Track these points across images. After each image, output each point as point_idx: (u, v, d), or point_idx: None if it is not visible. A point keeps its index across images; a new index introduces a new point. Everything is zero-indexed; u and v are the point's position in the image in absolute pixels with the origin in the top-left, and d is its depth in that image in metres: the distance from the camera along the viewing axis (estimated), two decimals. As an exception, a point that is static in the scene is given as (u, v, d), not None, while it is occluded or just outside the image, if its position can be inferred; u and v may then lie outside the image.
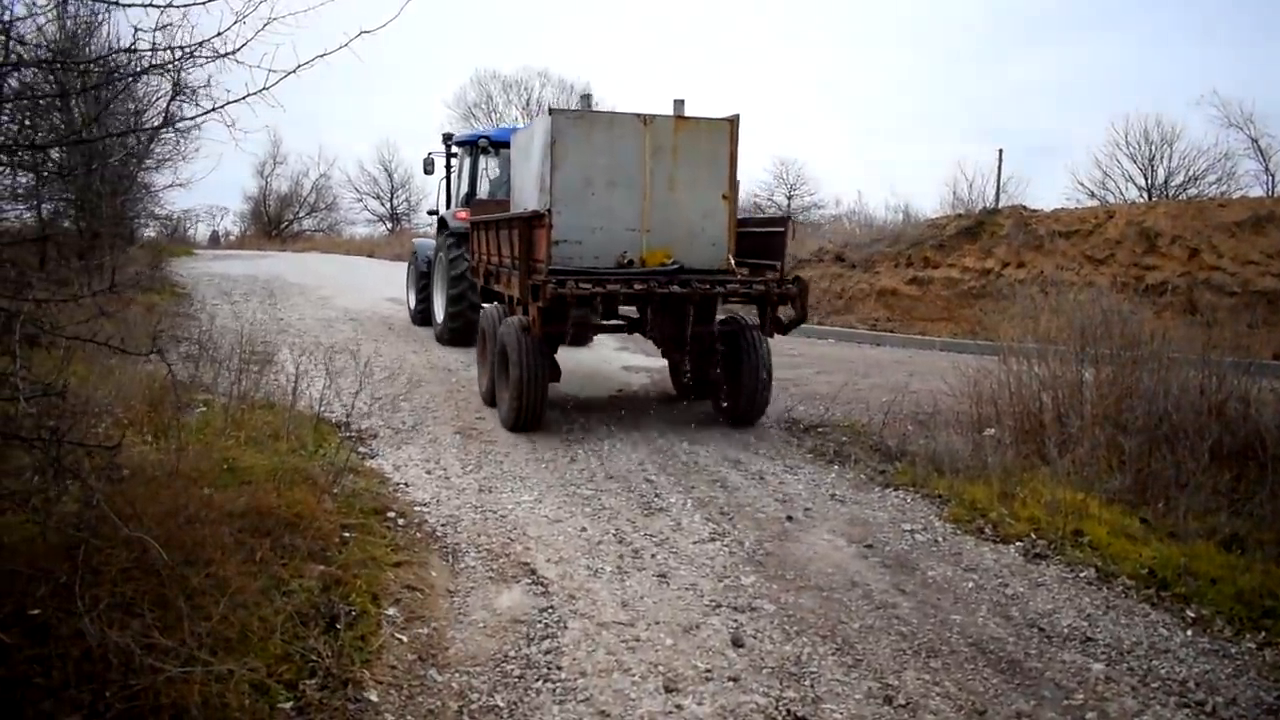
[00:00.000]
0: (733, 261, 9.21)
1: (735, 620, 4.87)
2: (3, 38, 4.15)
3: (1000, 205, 21.18)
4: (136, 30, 3.97)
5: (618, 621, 4.80)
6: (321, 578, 4.75)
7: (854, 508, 6.86)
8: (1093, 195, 32.37)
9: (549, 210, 8.40)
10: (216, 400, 7.71)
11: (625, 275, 8.64)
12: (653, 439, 8.49)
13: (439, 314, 14.54)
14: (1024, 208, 19.95)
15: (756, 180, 46.01)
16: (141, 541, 3.87)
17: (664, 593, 5.19)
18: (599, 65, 74.84)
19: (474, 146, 15.02)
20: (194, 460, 5.60)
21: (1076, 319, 8.21)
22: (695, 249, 9.16)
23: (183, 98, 5.08)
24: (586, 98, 11.17)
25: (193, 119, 3.95)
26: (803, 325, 9.39)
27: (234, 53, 4.13)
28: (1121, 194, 32.09)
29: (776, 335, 9.17)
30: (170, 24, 3.82)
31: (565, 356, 11.14)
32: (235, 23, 4.04)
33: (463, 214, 13.76)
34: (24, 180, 11.53)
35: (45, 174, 10.39)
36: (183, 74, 4.49)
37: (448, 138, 15.89)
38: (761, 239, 9.60)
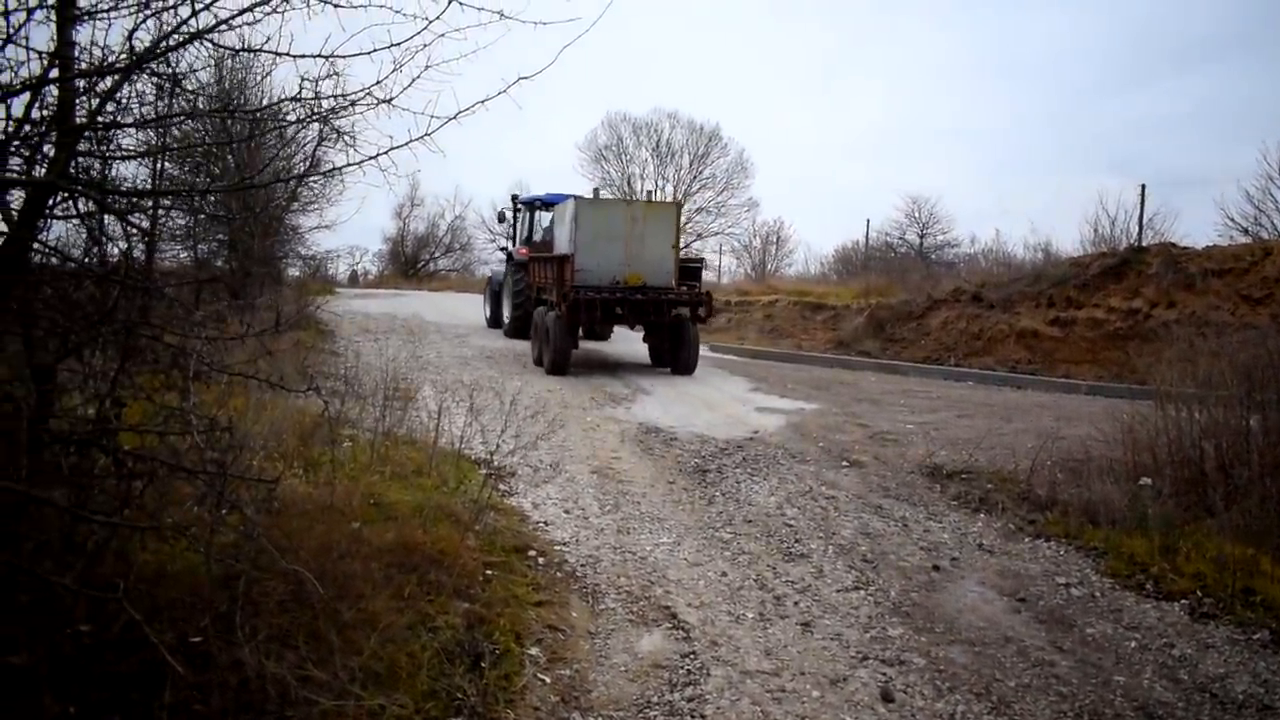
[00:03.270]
0: (674, 282, 16.07)
1: (884, 673, 4.72)
2: (168, 86, 4.34)
3: (1146, 242, 20.34)
4: (303, 79, 4.11)
5: (762, 670, 4.70)
6: (466, 615, 4.79)
7: (1003, 558, 6.61)
8: (1245, 232, 30.69)
9: (573, 253, 15.47)
10: (361, 436, 7.89)
11: (614, 289, 15.50)
12: (789, 483, 8.34)
13: (506, 317, 20.45)
14: (1173, 245, 19.08)
15: (887, 219, 45.40)
16: (297, 574, 3.95)
17: (808, 642, 5.06)
18: (729, 104, 75.23)
19: (533, 206, 21.64)
20: (343, 495, 5.73)
21: (1241, 361, 7.78)
22: (655, 276, 15.89)
23: (328, 143, 5.24)
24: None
25: (358, 164, 4.04)
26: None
27: (392, 100, 4.24)
28: (1277, 230, 30.37)
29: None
30: (338, 73, 3.94)
31: (699, 397, 11.22)
32: (394, 70, 4.15)
33: (523, 250, 20.53)
34: (182, 221, 12.11)
35: (203, 215, 10.87)
36: (330, 120, 4.63)
37: (515, 198, 22.63)
38: (692, 270, 18.09)
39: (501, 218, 23.82)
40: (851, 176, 74.40)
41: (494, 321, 22.11)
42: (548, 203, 20.66)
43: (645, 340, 17.17)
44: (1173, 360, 8.82)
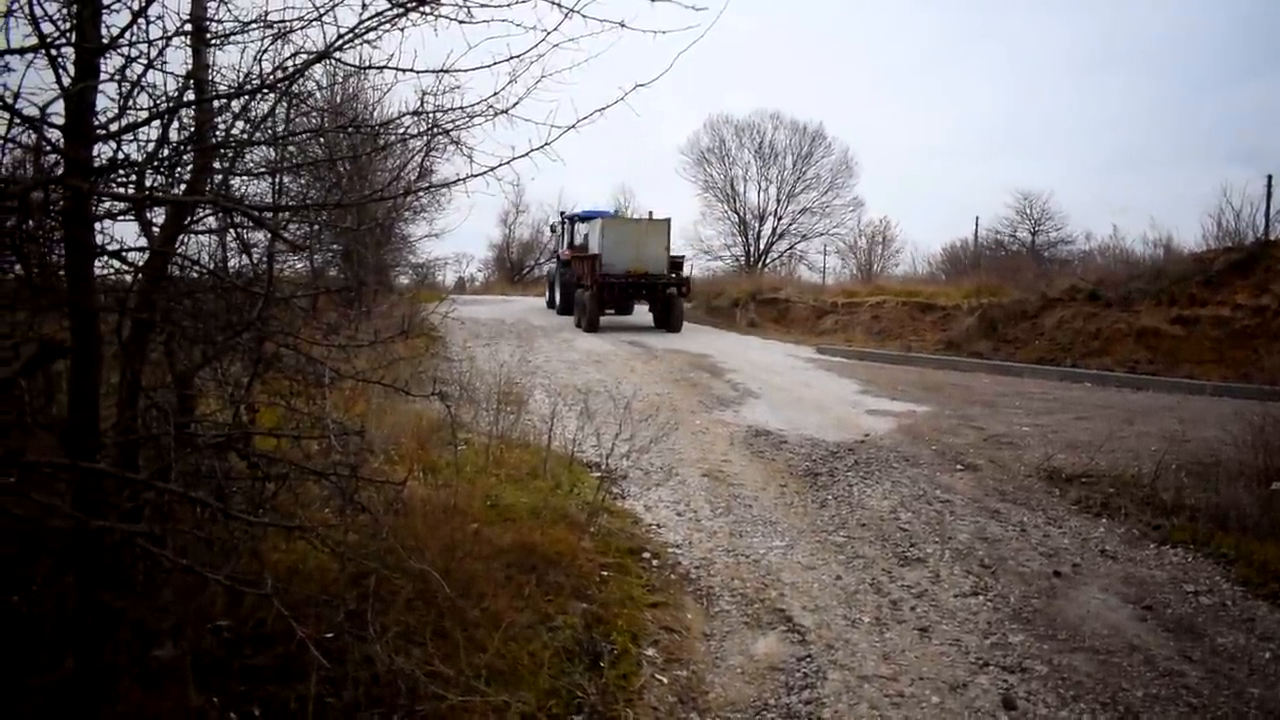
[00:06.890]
0: (666, 271, 24.04)
1: (1005, 680, 4.65)
2: (293, 103, 4.51)
3: (1274, 236, 19.44)
4: (424, 94, 4.23)
5: (879, 675, 4.67)
6: (584, 615, 4.88)
7: (1127, 565, 6.43)
8: (1383, 221, 29.08)
9: (600, 253, 23.54)
10: (476, 439, 8.06)
11: (626, 276, 23.45)
12: (903, 487, 8.24)
13: (558, 301, 28.05)
14: (1304, 237, 18.27)
15: (997, 217, 44.40)
16: (424, 574, 4.08)
17: (926, 647, 5.01)
18: (829, 102, 74.47)
19: (573, 219, 29.46)
20: (463, 497, 5.88)
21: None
22: (654, 267, 23.84)
23: (436, 151, 5.36)
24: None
25: (480, 175, 4.13)
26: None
27: (508, 110, 4.32)
28: None
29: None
30: (458, 87, 4.04)
31: (807, 399, 11.14)
32: (509, 81, 4.24)
33: (567, 252, 28.38)
34: (298, 231, 12.46)
35: (318, 227, 11.17)
36: (450, 133, 4.72)
37: (562, 214, 31.11)
38: (678, 263, 25.19)
39: (553, 228, 33.32)
40: (959, 173, 72.80)
41: (550, 303, 30.33)
42: (584, 217, 28.74)
43: (650, 310, 25.65)
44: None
